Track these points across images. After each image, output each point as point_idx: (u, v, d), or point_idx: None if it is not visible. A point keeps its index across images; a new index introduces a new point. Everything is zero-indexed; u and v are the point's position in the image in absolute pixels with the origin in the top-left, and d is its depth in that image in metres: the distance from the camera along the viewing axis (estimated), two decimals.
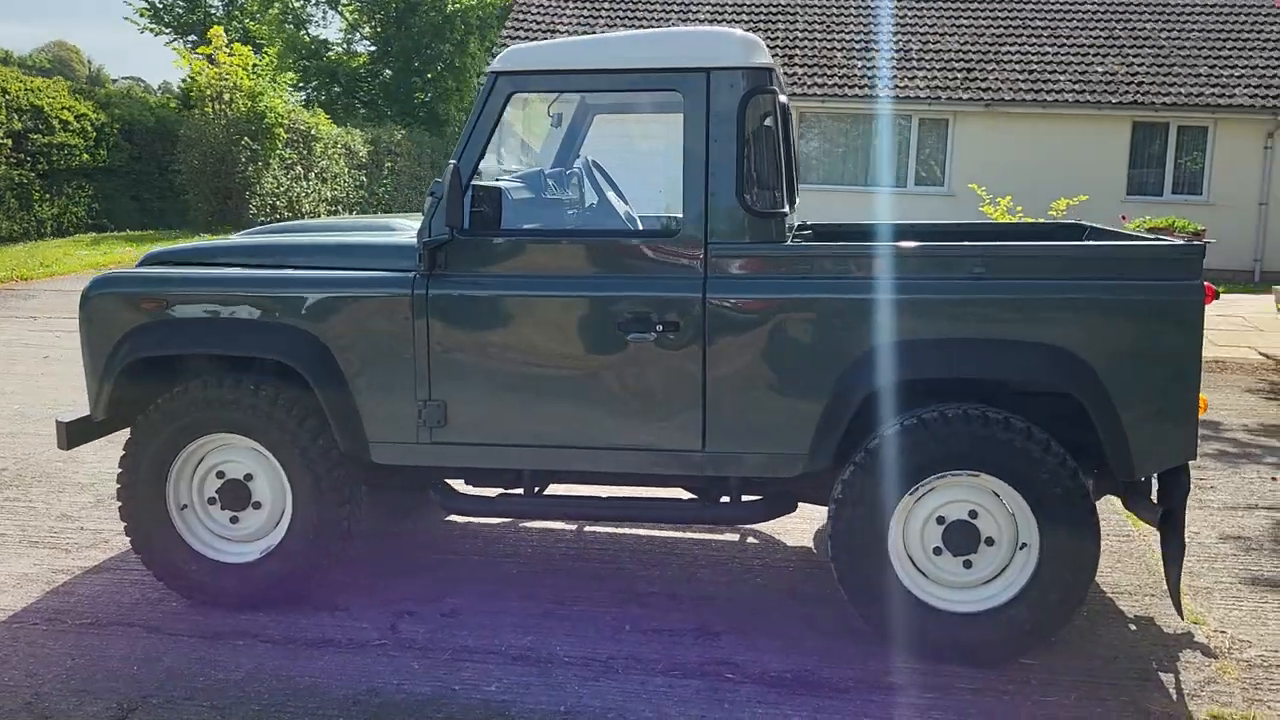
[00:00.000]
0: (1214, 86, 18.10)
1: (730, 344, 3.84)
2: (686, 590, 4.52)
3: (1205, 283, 3.64)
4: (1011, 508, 3.79)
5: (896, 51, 18.96)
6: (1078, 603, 3.79)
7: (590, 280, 3.92)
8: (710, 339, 3.84)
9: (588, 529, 5.22)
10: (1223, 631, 4.18)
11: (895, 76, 18.40)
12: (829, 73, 18.65)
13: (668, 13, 20.10)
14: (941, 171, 18.52)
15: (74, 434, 4.36)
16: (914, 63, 18.66)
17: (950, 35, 19.18)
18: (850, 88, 18.34)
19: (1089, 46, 18.89)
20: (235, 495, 4.20)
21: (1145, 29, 19.33)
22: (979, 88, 18.11)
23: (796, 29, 19.62)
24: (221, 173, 20.12)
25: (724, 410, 3.88)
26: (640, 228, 4.44)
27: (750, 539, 5.15)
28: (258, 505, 4.21)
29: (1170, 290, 3.66)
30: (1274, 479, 6.25)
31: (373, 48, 35.19)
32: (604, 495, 4.32)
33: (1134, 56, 18.73)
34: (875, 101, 18.17)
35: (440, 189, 3.97)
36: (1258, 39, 18.90)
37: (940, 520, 3.83)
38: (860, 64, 18.77)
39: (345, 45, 35.90)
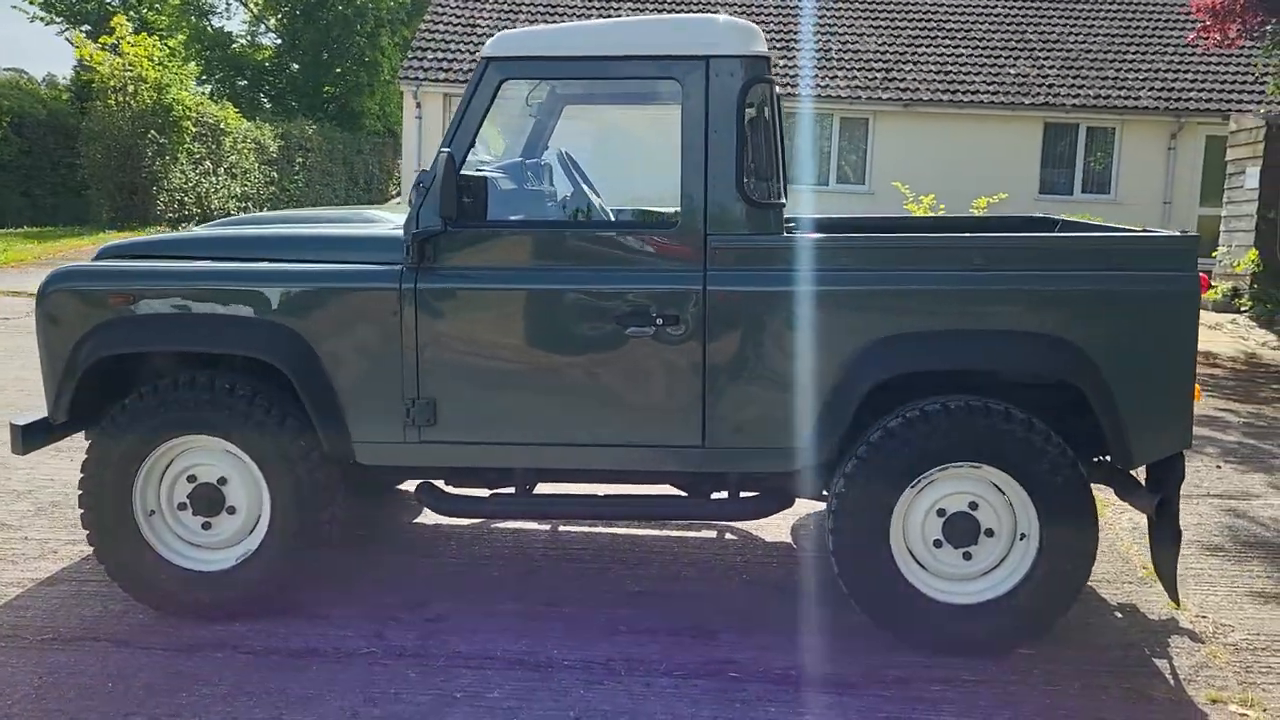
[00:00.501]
0: (1121, 89, 18.68)
1: (730, 337, 3.78)
2: (674, 589, 4.45)
3: (1201, 274, 3.70)
4: (1011, 499, 3.80)
5: (817, 51, 19.15)
6: (1077, 592, 3.83)
7: (588, 273, 3.82)
8: (710, 332, 3.77)
9: (562, 528, 5.11)
10: (1204, 617, 4.26)
11: (816, 76, 18.57)
12: None
13: (588, 8, 19.99)
14: (862, 170, 18.77)
15: (30, 438, 4.10)
16: (834, 63, 18.87)
17: (869, 36, 19.45)
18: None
19: (1001, 49, 19.34)
20: (208, 500, 4.00)
21: (1054, 33, 19.87)
22: (898, 88, 18.41)
23: None
24: (127, 167, 19.39)
25: (724, 405, 3.81)
26: (613, 220, 4.35)
27: (728, 535, 5.10)
28: (232, 510, 4.02)
29: (1167, 281, 3.71)
30: (1218, 466, 6.43)
31: (279, 40, 34.34)
32: (600, 494, 4.22)
33: (1044, 59, 19.23)
34: (797, 100, 18.33)
35: (428, 179, 3.84)
36: (1161, 44, 19.56)
37: (941, 513, 3.83)
38: (781, 63, 18.90)
39: (250, 37, 34.97)
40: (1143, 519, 5.05)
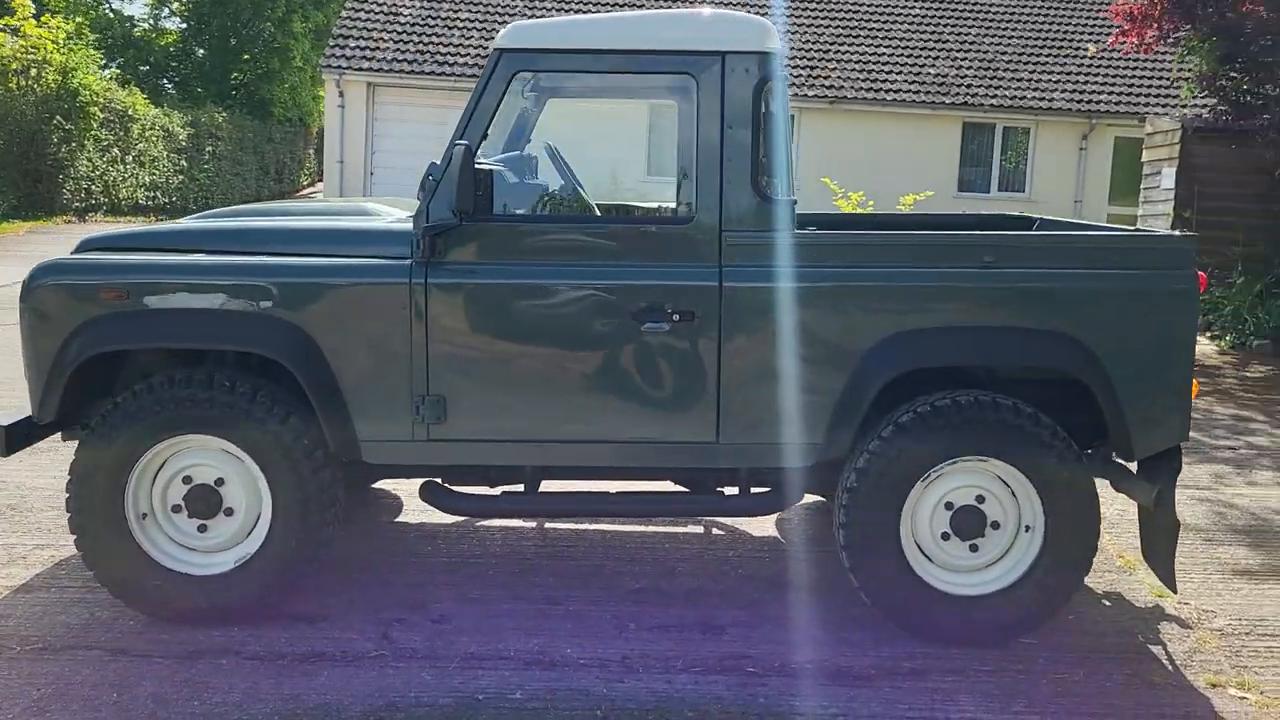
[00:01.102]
0: (1035, 91, 19.21)
1: (745, 333, 3.79)
2: (672, 585, 4.45)
3: (1200, 272, 3.82)
4: (1016, 492, 3.88)
5: None
6: (1079, 583, 3.93)
7: (604, 268, 3.79)
8: (725, 328, 3.78)
9: (548, 525, 5.06)
10: (1186, 603, 4.41)
11: None
12: None
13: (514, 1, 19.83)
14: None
15: (14, 438, 3.91)
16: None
17: (794, 34, 19.64)
18: None
19: (921, 50, 19.72)
20: (204, 502, 3.87)
21: (971, 34, 20.32)
22: (823, 85, 18.64)
23: None
24: (30, 154, 18.65)
25: (738, 400, 3.82)
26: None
27: (715, 530, 5.11)
28: (229, 512, 3.89)
29: (1168, 279, 3.82)
30: None
31: (184, 25, 33.30)
32: (613, 491, 4.19)
33: (962, 61, 19.67)
34: None
35: (438, 171, 3.76)
36: (1072, 47, 20.15)
37: (949, 506, 3.89)
38: None
39: (153, 21, 33.83)
40: (1118, 510, 5.23)
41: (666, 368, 3.81)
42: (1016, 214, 5.33)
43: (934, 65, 19.42)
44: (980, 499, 3.89)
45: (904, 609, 3.91)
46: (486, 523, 5.07)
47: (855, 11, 20.51)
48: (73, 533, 3.86)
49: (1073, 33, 20.53)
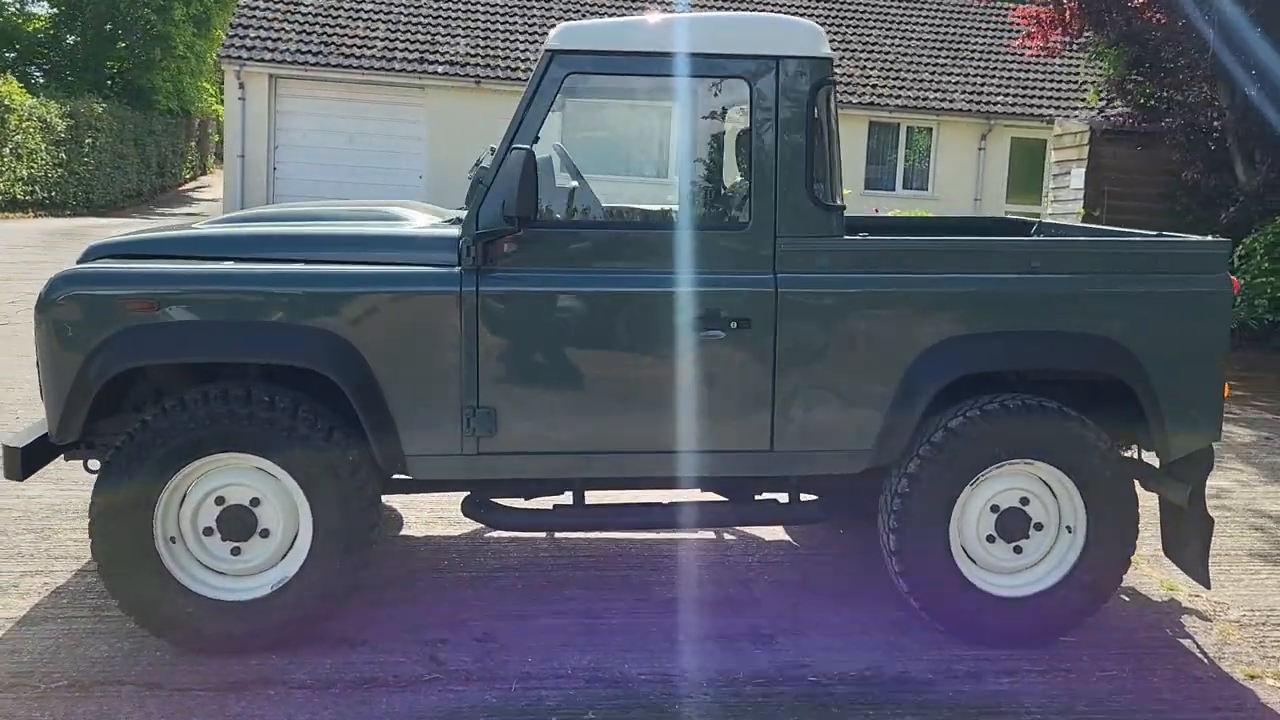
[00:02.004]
0: (936, 91, 19.72)
1: (800, 340, 3.76)
2: (705, 594, 4.40)
3: (1231, 276, 3.95)
4: (1058, 493, 3.95)
5: None
6: (1119, 582, 4.03)
7: (659, 276, 3.72)
8: (781, 335, 3.75)
9: (559, 536, 4.96)
10: (1197, 596, 4.56)
11: None
12: None
13: None
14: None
15: (29, 460, 3.65)
16: None
17: None
18: None
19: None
20: (239, 523, 3.66)
21: (873, 35, 20.75)
22: None
23: (552, 14, 19.54)
24: None
25: (793, 408, 3.80)
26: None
27: (727, 536, 5.08)
28: (265, 534, 3.69)
29: (1203, 284, 3.94)
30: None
31: (54, 10, 31.65)
32: (665, 502, 4.11)
33: (866, 61, 20.06)
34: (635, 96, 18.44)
35: (488, 176, 3.64)
36: (969, 50, 20.76)
37: (994, 508, 3.94)
38: None
39: (19, 6, 32.07)
40: None
41: (722, 376, 3.76)
42: (1015, 218, 5.43)
43: (840, 65, 19.75)
44: (1024, 501, 3.95)
45: (952, 612, 3.94)
46: (496, 534, 4.94)
47: (761, 12, 20.71)
48: (96, 560, 3.61)
49: (968, 34, 21.15)
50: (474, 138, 18.34)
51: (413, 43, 18.67)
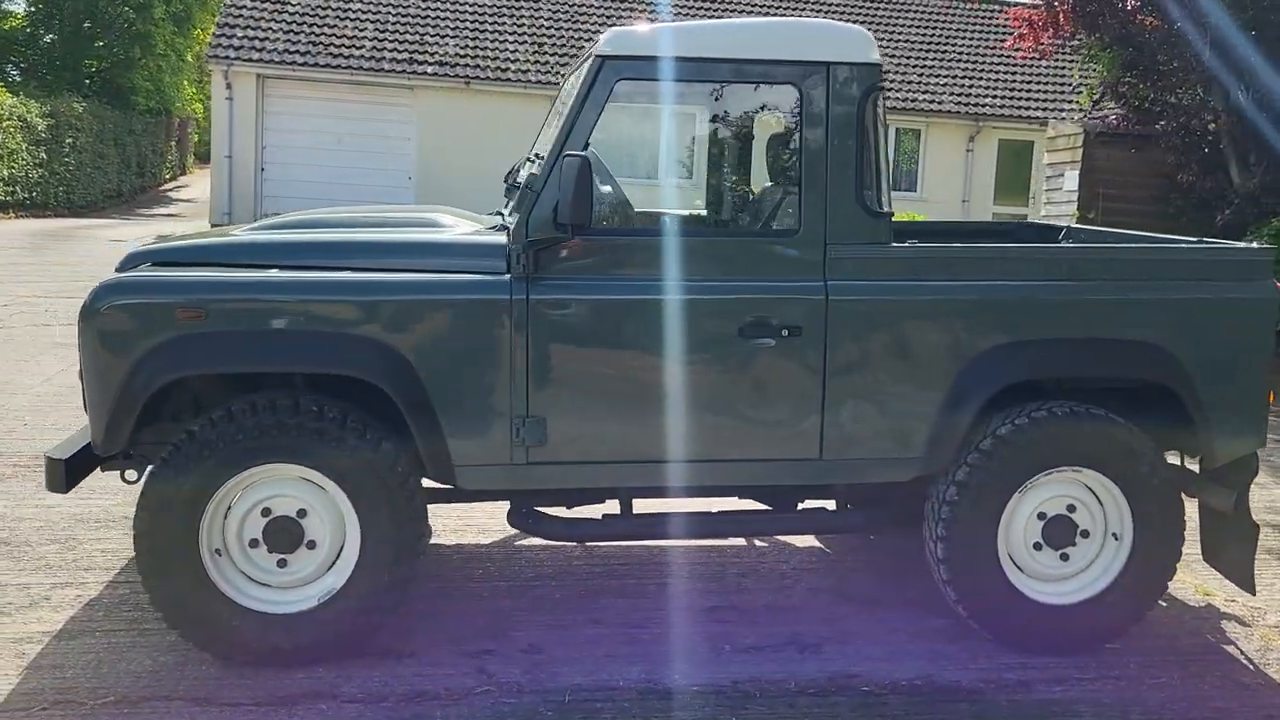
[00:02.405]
0: (925, 93, 19.79)
1: (849, 347, 3.74)
2: (745, 602, 4.38)
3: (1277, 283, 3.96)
4: (1104, 500, 3.95)
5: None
6: (1164, 589, 4.03)
7: (712, 283, 3.69)
8: (831, 342, 3.72)
9: (590, 544, 4.92)
10: (1233, 600, 4.57)
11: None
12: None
13: None
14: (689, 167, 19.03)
15: (72, 472, 3.58)
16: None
17: None
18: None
19: None
20: (286, 535, 3.61)
21: None
22: None
23: (541, 15, 19.48)
24: None
25: (842, 416, 3.77)
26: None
27: (758, 542, 5.06)
28: (312, 545, 3.64)
29: (1249, 290, 3.95)
30: None
31: (31, 8, 31.28)
32: (714, 510, 4.08)
33: None
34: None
35: (538, 182, 3.60)
36: (956, 52, 20.85)
37: (1041, 516, 3.93)
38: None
39: None
40: None
41: (772, 383, 3.73)
42: (1044, 223, 5.43)
43: None
44: (1071, 508, 3.95)
45: (1001, 620, 3.93)
46: (527, 541, 4.90)
47: (717, 9, 20.72)
48: (140, 572, 3.55)
49: (957, 37, 21.23)
50: (464, 139, 18.35)
51: (402, 43, 18.57)
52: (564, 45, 19.07)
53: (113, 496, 5.21)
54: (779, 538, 5.08)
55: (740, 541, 5.03)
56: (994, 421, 3.85)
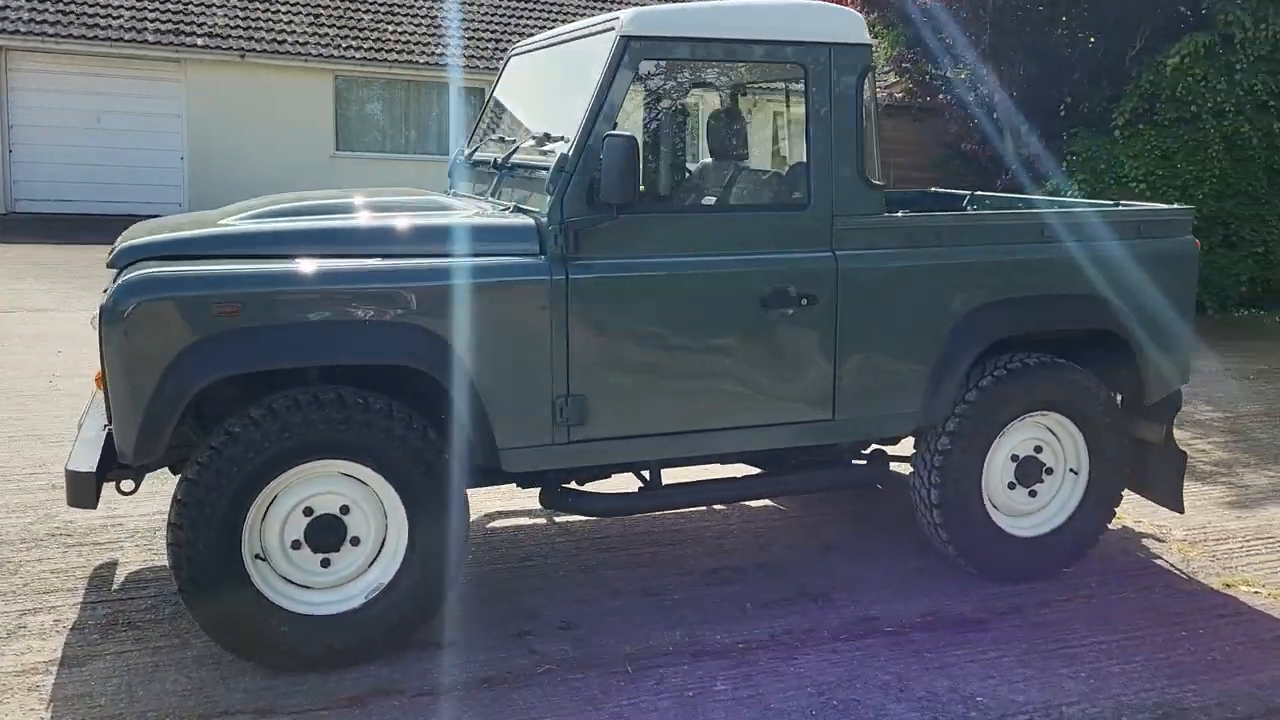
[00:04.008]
0: None
1: (856, 313, 3.98)
2: (743, 561, 4.56)
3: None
4: (1063, 439, 4.39)
5: (425, 19, 18.86)
6: (1113, 516, 4.52)
7: (738, 257, 3.83)
8: (841, 309, 3.95)
9: (560, 520, 4.97)
10: (1139, 521, 5.16)
11: (429, 44, 18.34)
12: (363, 36, 18.08)
13: None
14: None
15: (100, 486, 3.31)
16: (448, 31, 18.73)
17: (471, 6, 19.48)
18: (388, 52, 17.96)
19: None
20: (329, 533, 3.49)
21: None
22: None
23: None
24: None
25: (851, 377, 4.01)
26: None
27: (717, 508, 5.24)
28: (356, 542, 3.54)
29: (1174, 245, 4.47)
30: None
31: None
32: (739, 476, 4.23)
33: None
34: (416, 68, 18.03)
35: (571, 163, 3.61)
36: None
37: (1014, 458, 4.34)
38: (390, 28, 18.40)
39: None
40: None
41: (791, 350, 3.92)
42: (946, 191, 5.86)
43: None
44: (1038, 449, 4.37)
45: (985, 555, 4.31)
46: (507, 523, 4.90)
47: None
48: (182, 588, 3.34)
49: None
50: (240, 115, 17.42)
51: (165, 12, 17.33)
52: (342, 17, 18.39)
53: (23, 515, 4.81)
54: (745, 504, 5.27)
55: (703, 509, 5.20)
56: (975, 375, 4.20)
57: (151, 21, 17.12)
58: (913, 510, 4.40)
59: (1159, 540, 4.95)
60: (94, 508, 3.38)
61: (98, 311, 3.27)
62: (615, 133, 3.51)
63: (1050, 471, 4.40)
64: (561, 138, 3.77)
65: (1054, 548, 4.42)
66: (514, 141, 4.30)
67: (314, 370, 3.56)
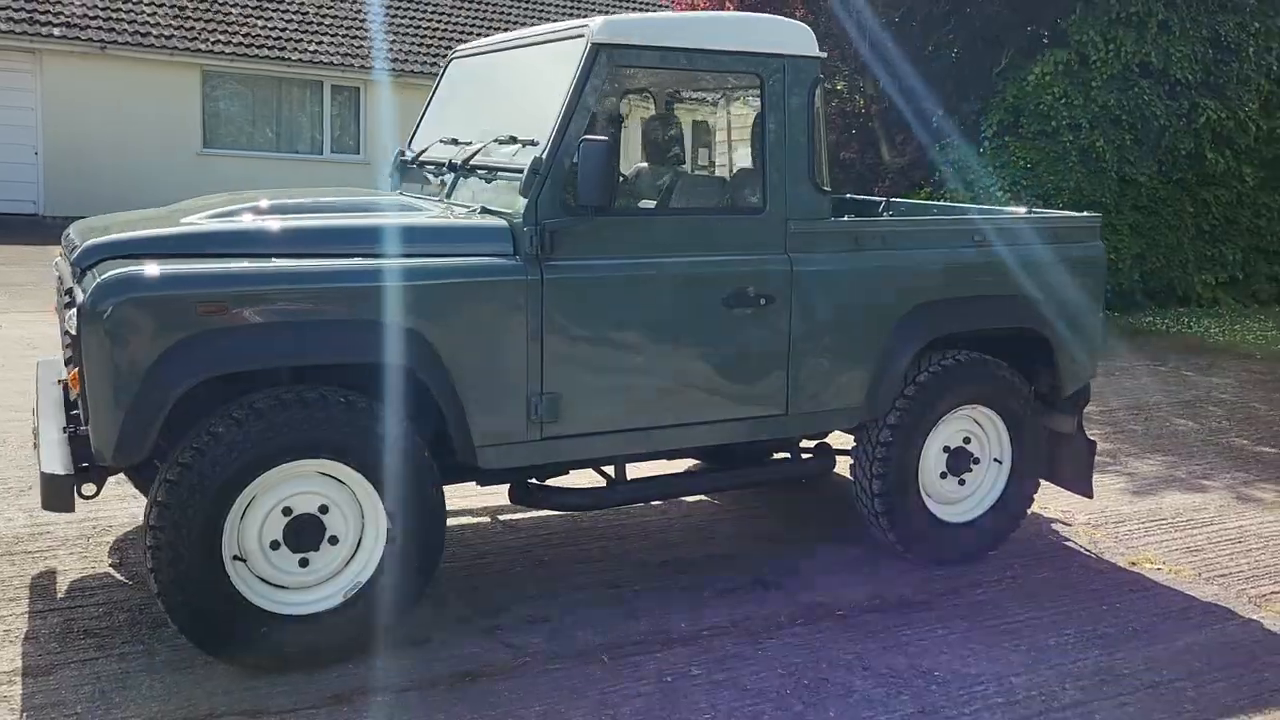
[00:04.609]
0: None
1: (807, 312, 4.18)
2: (688, 555, 4.71)
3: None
4: (988, 431, 4.69)
5: (296, 14, 18.43)
6: (1032, 502, 4.85)
7: (701, 259, 3.98)
8: (794, 309, 4.14)
9: (502, 517, 5.04)
10: (1045, 508, 5.52)
11: (302, 40, 17.94)
12: (232, 29, 17.56)
13: None
14: (357, 139, 18.54)
15: (75, 488, 3.24)
16: (321, 27, 18.34)
17: (345, 2, 19.13)
18: (259, 48, 17.48)
19: (478, 26, 20.18)
20: (307, 533, 3.49)
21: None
22: (386, 57, 18.43)
23: None
24: None
25: (803, 375, 4.21)
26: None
27: (655, 503, 5.37)
28: (334, 541, 3.55)
29: (1086, 249, 4.83)
30: None
31: None
32: (697, 470, 4.36)
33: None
34: (286, 65, 17.61)
35: (544, 166, 3.70)
36: None
37: (945, 449, 4.61)
38: (261, 22, 17.93)
39: None
40: None
41: (750, 348, 4.09)
42: (862, 197, 6.14)
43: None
44: (967, 440, 4.66)
45: (921, 541, 4.57)
46: (451, 522, 4.92)
47: None
48: (161, 589, 3.30)
49: None
50: (101, 111, 16.73)
51: (19, 0, 16.47)
52: (209, 9, 17.80)
53: None
54: (683, 500, 5.42)
55: (643, 505, 5.32)
56: (911, 371, 4.46)
57: (3, 9, 16.26)
58: (851, 500, 4.63)
59: (1066, 524, 5.32)
60: (71, 510, 3.30)
61: (74, 311, 3.20)
62: (592, 137, 3.61)
63: (977, 461, 4.69)
64: (531, 141, 3.85)
65: (981, 532, 4.71)
66: (468, 143, 4.34)
67: (285, 369, 3.55)
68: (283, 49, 17.71)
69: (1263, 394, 8.67)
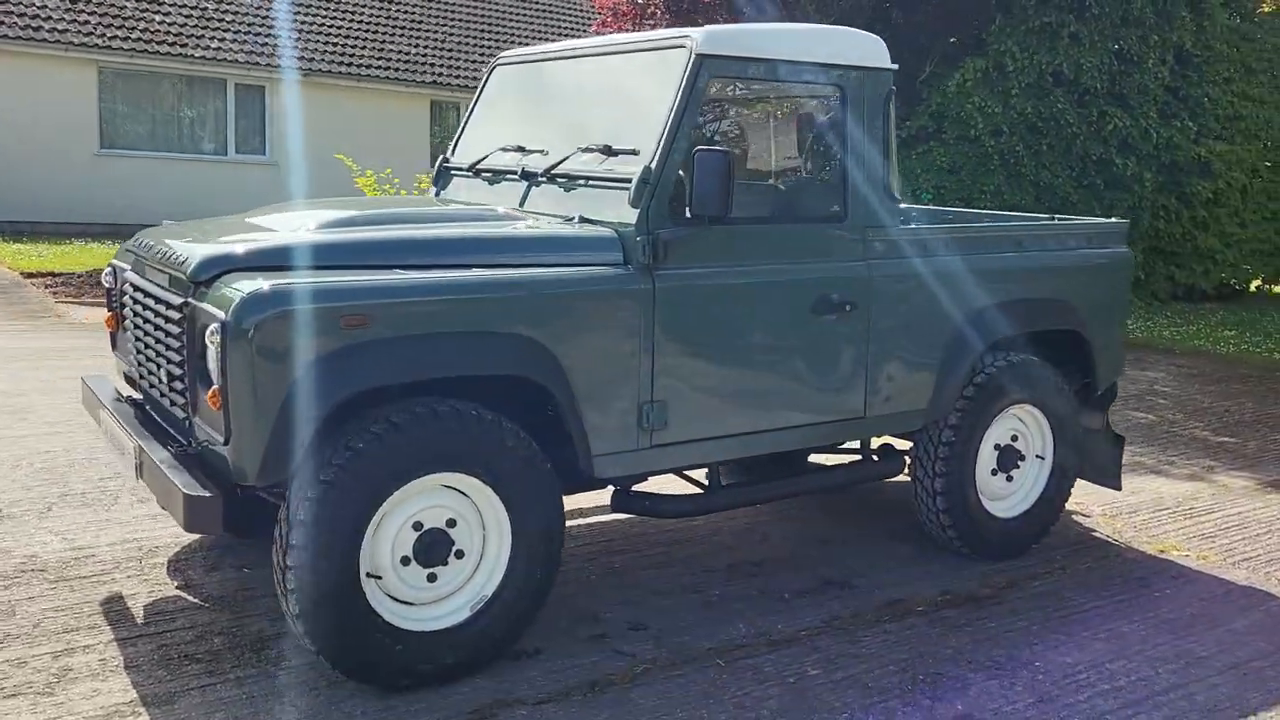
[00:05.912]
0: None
1: (884, 317, 4.30)
2: (750, 558, 4.76)
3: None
4: (1031, 429, 4.89)
5: (196, 9, 17.80)
6: (1070, 495, 5.07)
7: (791, 266, 4.05)
8: (874, 315, 4.26)
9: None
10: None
11: (203, 36, 17.33)
12: (129, 24, 16.85)
13: None
14: (262, 140, 17.99)
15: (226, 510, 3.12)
16: (223, 23, 17.74)
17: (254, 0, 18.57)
18: (158, 44, 16.82)
19: (390, 27, 19.81)
20: (436, 548, 3.44)
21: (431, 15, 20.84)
22: (293, 56, 17.95)
23: None
24: None
25: (879, 378, 4.33)
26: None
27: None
28: (460, 555, 3.50)
29: (1114, 254, 5.08)
30: None
31: None
32: (790, 477, 4.44)
33: (429, 39, 20.15)
34: (190, 62, 17.00)
35: (653, 175, 3.72)
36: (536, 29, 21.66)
37: (997, 446, 4.79)
38: (159, 17, 17.25)
39: None
40: None
41: (835, 353, 4.19)
42: None
43: (394, 43, 19.65)
44: (1014, 438, 4.85)
45: (978, 537, 4.74)
46: None
47: None
48: (298, 614, 3.20)
49: (545, 16, 22.00)
50: None
51: None
52: (103, 3, 17.04)
53: None
54: None
55: None
56: (969, 373, 4.62)
57: None
58: (912, 500, 4.77)
59: (1085, 516, 5.57)
60: (219, 532, 3.18)
61: (218, 326, 3.08)
62: (708, 148, 3.64)
63: (1023, 458, 4.89)
64: (631, 150, 3.85)
65: (1027, 526, 4.91)
66: (538, 151, 4.32)
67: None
68: (184, 45, 17.09)
69: (1199, 386, 9.21)
